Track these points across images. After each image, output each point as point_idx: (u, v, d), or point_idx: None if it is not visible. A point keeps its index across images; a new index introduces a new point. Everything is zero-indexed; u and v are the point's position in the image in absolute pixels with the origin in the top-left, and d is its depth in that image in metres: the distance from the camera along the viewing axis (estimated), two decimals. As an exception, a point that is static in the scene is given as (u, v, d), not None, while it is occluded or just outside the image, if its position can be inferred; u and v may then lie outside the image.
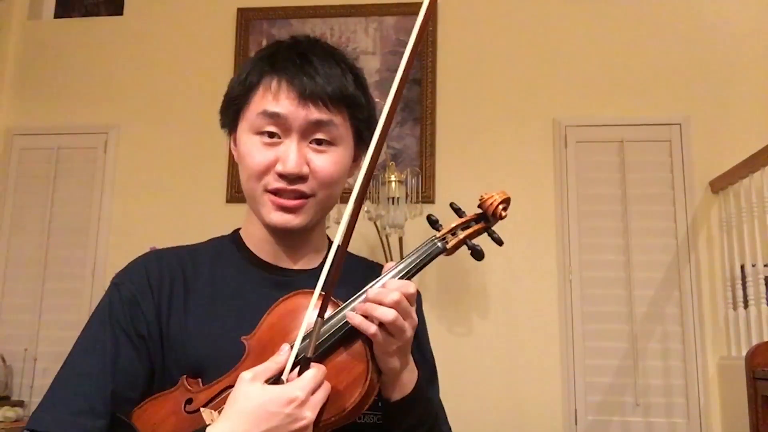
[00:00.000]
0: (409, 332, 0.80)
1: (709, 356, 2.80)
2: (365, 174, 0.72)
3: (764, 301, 2.58)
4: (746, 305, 2.65)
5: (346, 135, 0.91)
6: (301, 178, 0.88)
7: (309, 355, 0.75)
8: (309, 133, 0.88)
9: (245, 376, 0.74)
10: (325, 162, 0.89)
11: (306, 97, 0.87)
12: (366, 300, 0.79)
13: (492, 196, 0.89)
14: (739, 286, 2.71)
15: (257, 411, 0.72)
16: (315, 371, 0.75)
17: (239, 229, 1.00)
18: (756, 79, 3.04)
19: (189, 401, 0.80)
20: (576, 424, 2.81)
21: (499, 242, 0.90)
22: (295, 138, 0.88)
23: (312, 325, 0.76)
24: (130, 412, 0.83)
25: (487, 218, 0.90)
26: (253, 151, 0.89)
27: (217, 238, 1.00)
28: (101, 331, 0.86)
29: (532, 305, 2.94)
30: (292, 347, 0.76)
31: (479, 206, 0.90)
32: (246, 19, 3.34)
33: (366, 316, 0.78)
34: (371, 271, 0.87)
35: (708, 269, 2.90)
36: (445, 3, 3.24)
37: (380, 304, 0.78)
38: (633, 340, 2.84)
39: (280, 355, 0.77)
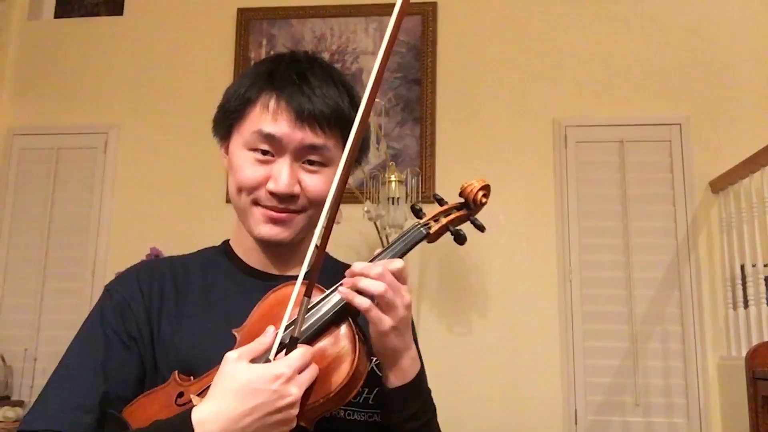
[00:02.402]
0: (402, 310, 0.80)
1: (709, 356, 2.80)
2: (346, 160, 0.72)
3: (764, 301, 2.58)
4: (746, 305, 2.65)
5: (338, 157, 0.92)
6: (292, 197, 0.89)
7: (296, 335, 0.75)
8: (302, 154, 0.90)
9: (230, 356, 0.75)
10: (317, 182, 0.90)
11: (303, 119, 0.88)
12: (351, 274, 0.80)
13: (471, 183, 0.92)
14: (739, 286, 2.71)
15: (243, 389, 0.72)
16: (303, 350, 0.75)
17: (228, 240, 1.01)
18: (756, 79, 3.04)
19: (180, 395, 0.81)
20: (576, 424, 2.81)
21: (481, 228, 0.92)
22: (288, 159, 0.89)
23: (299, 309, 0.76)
24: (121, 410, 0.84)
25: (468, 206, 0.93)
26: (246, 166, 0.90)
27: (208, 248, 1.02)
28: (93, 334, 0.88)
29: (532, 305, 2.94)
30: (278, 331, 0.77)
31: (460, 194, 0.92)
32: (246, 19, 3.34)
33: (357, 292, 0.79)
34: None
35: (708, 269, 2.90)
36: (445, 3, 3.24)
37: (376, 276, 0.78)
38: (633, 340, 2.84)
39: (265, 337, 0.77)
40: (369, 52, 3.25)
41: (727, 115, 3.01)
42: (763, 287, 2.59)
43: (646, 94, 3.08)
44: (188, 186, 3.21)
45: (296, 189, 0.89)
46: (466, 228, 0.93)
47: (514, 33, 3.21)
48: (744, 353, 2.28)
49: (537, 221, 3.01)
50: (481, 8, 3.25)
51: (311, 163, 0.90)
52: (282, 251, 0.96)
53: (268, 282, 0.93)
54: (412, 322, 1.03)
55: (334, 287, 0.82)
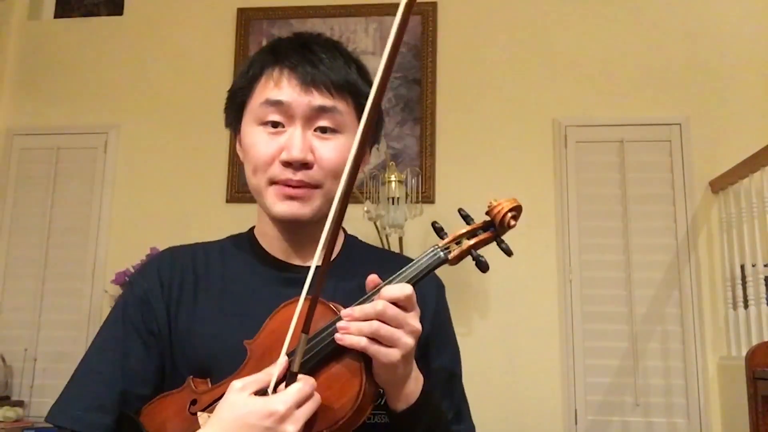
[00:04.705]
0: (406, 339, 0.75)
1: (709, 356, 2.80)
2: (350, 169, 0.65)
3: (764, 301, 2.58)
4: (746, 305, 2.65)
5: (351, 123, 0.90)
6: (306, 166, 0.86)
7: (294, 370, 0.72)
8: (313, 120, 0.88)
9: (235, 385, 0.74)
10: (331, 150, 0.88)
11: (309, 83, 0.87)
12: (350, 317, 0.76)
13: (500, 203, 0.84)
14: (739, 286, 2.71)
15: (237, 421, 0.71)
16: (300, 385, 0.72)
17: (254, 227, 0.99)
18: (756, 79, 3.04)
19: (194, 402, 0.81)
20: (576, 424, 2.81)
21: (509, 252, 0.85)
22: (299, 125, 0.87)
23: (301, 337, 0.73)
24: (140, 409, 0.86)
25: (495, 227, 0.85)
26: (258, 142, 0.88)
27: (234, 235, 1.01)
28: (114, 330, 0.90)
29: (532, 305, 2.94)
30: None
31: (487, 213, 0.85)
32: (246, 19, 3.34)
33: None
34: (387, 263, 0.85)
35: (708, 269, 2.90)
36: (445, 3, 3.24)
37: (364, 317, 0.75)
38: (633, 340, 2.84)
39: (274, 367, 0.75)
40: (369, 52, 3.25)
41: (727, 115, 3.01)
42: (763, 287, 2.59)
43: (646, 94, 3.08)
44: (188, 186, 3.21)
45: (309, 156, 0.86)
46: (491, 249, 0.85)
47: (514, 33, 3.21)
48: (744, 353, 2.28)
49: (537, 221, 3.01)
50: (481, 8, 3.25)
51: (324, 130, 0.88)
52: (301, 237, 0.93)
53: (289, 274, 0.92)
54: (449, 317, 1.02)
55: (351, 306, 0.77)
